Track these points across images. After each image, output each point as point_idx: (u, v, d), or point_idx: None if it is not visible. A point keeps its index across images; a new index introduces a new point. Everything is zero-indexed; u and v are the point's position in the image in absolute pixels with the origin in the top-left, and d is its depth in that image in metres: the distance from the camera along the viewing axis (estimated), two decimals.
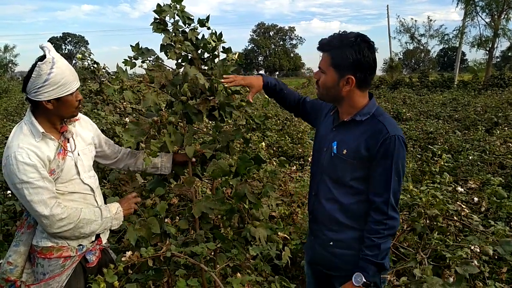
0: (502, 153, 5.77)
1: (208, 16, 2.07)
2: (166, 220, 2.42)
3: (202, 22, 2.05)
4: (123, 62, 1.95)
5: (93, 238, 1.88)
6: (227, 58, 2.05)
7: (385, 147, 1.56)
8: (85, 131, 1.93)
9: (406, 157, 1.68)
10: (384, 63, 36.97)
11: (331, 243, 1.74)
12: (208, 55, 2.09)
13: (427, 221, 2.61)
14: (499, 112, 9.64)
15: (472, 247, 2.29)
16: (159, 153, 2.00)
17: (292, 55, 79.62)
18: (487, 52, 27.63)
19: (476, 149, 6.09)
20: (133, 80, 2.06)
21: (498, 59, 44.13)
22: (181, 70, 2.04)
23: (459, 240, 2.69)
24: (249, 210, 2.02)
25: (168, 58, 1.99)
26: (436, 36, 33.03)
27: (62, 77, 1.65)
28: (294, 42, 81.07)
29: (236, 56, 2.05)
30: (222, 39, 2.05)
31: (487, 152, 5.90)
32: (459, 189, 3.35)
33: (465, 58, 53.73)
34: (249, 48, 78.66)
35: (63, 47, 77.17)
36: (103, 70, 4.22)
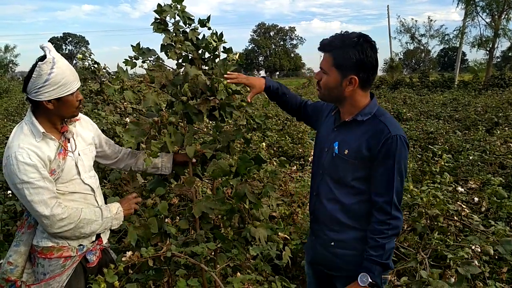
0: (503, 153, 5.77)
1: (209, 16, 2.07)
2: (166, 220, 2.43)
3: (203, 22, 2.05)
4: (123, 62, 1.96)
5: (94, 238, 1.88)
6: (227, 58, 2.05)
7: (387, 147, 1.56)
8: (85, 131, 1.93)
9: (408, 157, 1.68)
10: (384, 63, 36.95)
11: (332, 243, 1.74)
12: (209, 55, 2.09)
13: (428, 221, 2.61)
14: (500, 112, 9.63)
15: (473, 247, 2.29)
16: (160, 153, 2.01)
17: (292, 55, 79.58)
18: (487, 52, 27.62)
19: (476, 149, 6.09)
20: (133, 80, 2.06)
21: (499, 59, 44.13)
22: (182, 70, 2.04)
23: (460, 240, 2.69)
24: (249, 210, 2.02)
25: (168, 58, 1.99)
26: (437, 36, 33.04)
27: (62, 77, 1.65)
28: (294, 42, 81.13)
29: (237, 56, 2.05)
30: (222, 39, 2.05)
31: (488, 152, 5.90)
32: (460, 189, 3.36)
33: (465, 58, 53.72)
34: (249, 48, 78.66)
35: (64, 47, 77.18)
36: (104, 70, 4.22)
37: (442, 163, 4.24)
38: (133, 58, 1.97)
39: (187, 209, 2.00)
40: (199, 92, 1.97)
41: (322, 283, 1.92)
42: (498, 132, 7.46)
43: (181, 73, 2.02)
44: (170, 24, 2.02)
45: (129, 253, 1.67)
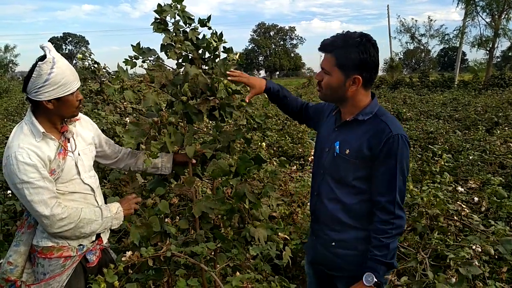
0: (503, 153, 5.77)
1: (209, 16, 2.07)
2: (166, 220, 2.43)
3: (203, 22, 2.05)
4: (123, 62, 1.95)
5: (94, 238, 1.88)
6: (228, 58, 2.05)
7: (388, 146, 1.55)
8: (85, 131, 1.93)
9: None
10: (384, 63, 36.91)
11: (333, 243, 1.74)
12: (209, 55, 2.09)
13: (428, 221, 2.61)
14: (500, 112, 9.63)
15: (474, 247, 2.29)
16: (160, 153, 2.01)
17: (292, 55, 79.56)
18: (487, 52, 27.62)
19: (476, 149, 6.09)
20: (133, 80, 2.06)
21: (499, 59, 44.12)
22: (182, 70, 2.04)
23: (459, 240, 2.69)
24: (249, 210, 2.02)
25: (168, 58, 1.99)
26: (437, 36, 33.04)
27: (62, 77, 1.65)
28: (294, 42, 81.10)
29: (237, 56, 2.05)
30: (222, 39, 2.05)
31: (488, 152, 5.90)
32: (460, 189, 3.36)
33: (465, 58, 53.75)
34: (249, 48, 78.62)
35: (64, 47, 77.17)
36: (104, 70, 4.22)
37: (442, 163, 4.24)
38: (133, 58, 1.96)
39: (187, 209, 2.00)
40: (199, 92, 1.97)
41: (323, 283, 1.92)
42: (498, 132, 7.46)
43: (181, 73, 2.02)
44: (170, 24, 2.02)
45: (128, 253, 1.67)
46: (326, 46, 1.63)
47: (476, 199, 3.61)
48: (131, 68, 1.97)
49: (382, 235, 1.59)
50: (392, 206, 1.58)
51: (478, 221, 2.73)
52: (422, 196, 2.83)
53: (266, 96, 2.11)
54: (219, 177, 1.94)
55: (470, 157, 5.38)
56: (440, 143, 6.53)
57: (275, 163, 4.39)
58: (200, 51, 2.08)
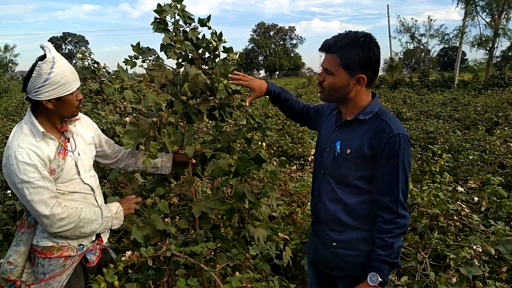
0: (502, 153, 5.77)
1: (209, 15, 2.06)
2: (166, 219, 2.42)
3: (203, 22, 2.05)
4: (123, 62, 1.95)
5: (94, 238, 1.88)
6: (228, 58, 2.05)
7: (389, 145, 1.55)
8: (85, 131, 1.93)
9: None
10: (384, 62, 36.88)
11: (334, 243, 1.73)
12: (209, 55, 2.08)
13: (427, 221, 2.61)
14: (499, 112, 9.63)
15: (474, 247, 2.29)
16: (160, 153, 2.00)
17: (292, 54, 79.58)
18: (487, 51, 27.61)
19: (476, 149, 6.09)
20: (133, 79, 2.06)
21: (498, 59, 44.11)
22: (182, 69, 2.03)
23: (459, 239, 2.69)
24: (249, 210, 2.02)
25: (168, 58, 1.99)
26: (437, 36, 33.00)
27: (62, 77, 1.65)
28: (294, 41, 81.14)
29: (237, 56, 2.05)
30: (222, 38, 2.05)
31: (487, 151, 5.90)
32: (459, 188, 3.35)
33: (465, 57, 53.77)
34: (249, 47, 78.62)
35: (64, 46, 77.16)
36: (103, 70, 4.22)
37: (442, 162, 4.23)
38: (133, 58, 1.96)
39: (187, 208, 2.00)
40: (199, 91, 1.97)
41: (323, 283, 1.92)
42: (498, 131, 7.46)
43: (181, 73, 2.01)
44: (170, 24, 2.02)
45: (128, 253, 1.67)
46: (330, 47, 1.62)
47: (476, 199, 3.61)
48: (131, 68, 1.97)
49: (386, 234, 1.59)
50: (395, 205, 1.58)
51: (478, 221, 2.73)
52: (422, 196, 2.83)
53: (269, 99, 2.11)
54: (218, 177, 1.94)
55: (470, 157, 5.38)
56: (440, 143, 6.53)
57: (275, 163, 4.39)
58: (200, 51, 2.08)
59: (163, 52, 2.00)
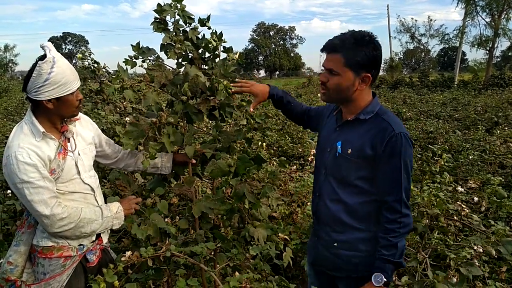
0: (502, 153, 5.76)
1: (209, 15, 2.06)
2: (166, 219, 2.42)
3: (203, 22, 2.05)
4: (123, 62, 1.95)
5: (94, 238, 1.88)
6: (227, 58, 2.05)
7: (391, 145, 1.55)
8: (85, 131, 1.93)
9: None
10: (384, 62, 36.89)
11: (335, 244, 1.73)
12: (209, 54, 2.08)
13: (428, 221, 2.61)
14: (499, 112, 9.63)
15: (475, 247, 2.29)
16: (160, 153, 2.00)
17: (292, 54, 79.55)
18: (487, 51, 27.60)
19: (476, 149, 6.09)
20: (133, 79, 2.06)
21: (498, 59, 44.09)
22: (182, 69, 2.03)
23: (459, 239, 2.69)
24: (249, 210, 2.02)
25: (168, 58, 1.99)
26: (437, 36, 33.02)
27: (62, 77, 1.64)
28: (294, 41, 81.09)
29: (237, 55, 2.05)
30: (222, 38, 2.05)
31: (487, 151, 5.90)
32: (459, 188, 3.35)
33: (465, 57, 53.75)
34: (249, 47, 78.60)
35: (63, 46, 77.14)
36: (103, 70, 4.23)
37: (442, 162, 4.23)
38: (133, 58, 1.96)
39: (187, 208, 2.00)
40: (199, 91, 1.97)
41: (324, 284, 1.91)
42: (498, 131, 7.45)
43: (181, 73, 2.01)
44: (170, 24, 2.01)
45: (128, 253, 1.67)
46: (335, 46, 1.60)
47: (476, 199, 3.61)
48: (131, 67, 1.97)
49: (390, 234, 1.58)
50: (398, 205, 1.58)
51: (478, 221, 2.73)
52: (422, 196, 2.83)
53: (271, 102, 2.11)
54: (218, 177, 1.94)
55: (470, 157, 5.38)
56: (440, 143, 6.52)
57: (275, 163, 4.39)
58: (200, 51, 2.08)
59: (163, 52, 2.00)
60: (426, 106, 12.93)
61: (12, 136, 1.68)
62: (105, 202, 1.99)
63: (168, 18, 1.99)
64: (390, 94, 18.61)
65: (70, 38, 79.20)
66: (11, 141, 1.66)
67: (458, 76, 26.93)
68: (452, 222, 2.73)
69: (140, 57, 1.97)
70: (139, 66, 1.98)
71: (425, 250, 2.48)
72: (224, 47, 2.06)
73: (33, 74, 1.62)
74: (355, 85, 1.62)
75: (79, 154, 1.83)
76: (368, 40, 1.57)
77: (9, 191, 3.21)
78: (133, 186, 2.03)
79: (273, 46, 78.52)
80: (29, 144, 1.64)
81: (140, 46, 1.98)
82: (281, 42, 79.88)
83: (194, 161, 2.03)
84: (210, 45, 2.03)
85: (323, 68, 1.69)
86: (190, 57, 2.05)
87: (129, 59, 1.95)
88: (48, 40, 1.68)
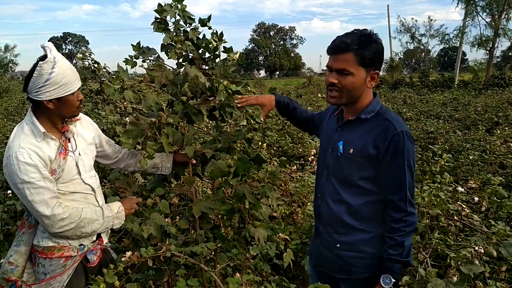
0: (503, 153, 5.76)
1: (210, 15, 2.06)
2: (166, 219, 2.42)
3: (203, 22, 2.05)
4: (124, 62, 1.95)
5: (94, 238, 1.88)
6: (228, 58, 2.05)
7: (394, 144, 1.55)
8: (86, 131, 1.93)
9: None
10: (384, 62, 36.77)
11: (338, 245, 1.73)
12: (210, 55, 2.08)
13: (428, 221, 2.61)
14: (500, 112, 9.62)
15: (476, 248, 2.29)
16: (160, 153, 2.00)
17: (292, 54, 79.53)
18: (487, 52, 27.59)
19: (476, 149, 6.08)
20: (133, 79, 2.06)
21: (499, 59, 44.11)
22: (182, 70, 2.03)
23: (460, 240, 2.69)
24: (249, 210, 2.02)
25: (168, 58, 1.99)
26: (437, 36, 33.07)
27: (63, 77, 1.65)
28: (294, 41, 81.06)
29: (237, 56, 2.05)
30: (223, 38, 2.05)
31: (488, 152, 5.89)
32: (460, 189, 3.35)
33: (465, 58, 53.74)
34: (249, 47, 78.60)
35: (64, 46, 77.17)
36: (104, 70, 4.23)
37: (442, 162, 4.23)
38: (133, 57, 1.96)
39: (187, 209, 2.00)
40: (199, 92, 1.97)
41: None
42: (498, 131, 7.45)
43: (181, 73, 2.01)
44: (170, 24, 2.01)
45: (128, 253, 1.67)
46: (347, 46, 1.56)
47: (476, 199, 3.61)
48: (131, 67, 1.97)
49: (396, 233, 1.58)
50: (404, 203, 1.58)
51: (478, 221, 2.73)
52: (422, 196, 2.83)
53: (277, 110, 2.11)
54: (218, 177, 1.94)
55: (470, 157, 5.37)
56: (440, 143, 6.52)
57: (275, 163, 4.39)
58: (200, 51, 2.08)
59: (163, 52, 2.00)
60: (426, 106, 12.92)
61: (12, 136, 1.69)
62: (106, 202, 1.99)
63: (168, 18, 2.00)
64: (390, 94, 18.62)
65: (71, 38, 79.23)
66: (11, 141, 1.66)
67: (458, 76, 26.93)
68: (452, 222, 2.73)
69: (140, 57, 1.97)
70: (139, 66, 1.99)
71: (425, 250, 2.47)
72: (224, 47, 2.06)
73: (34, 74, 1.62)
74: (366, 83, 1.62)
75: (79, 154, 1.83)
76: (375, 38, 1.58)
77: (9, 191, 3.21)
78: (133, 187, 2.03)
79: (273, 46, 78.50)
80: (29, 145, 1.64)
81: (141, 46, 1.98)
82: (281, 42, 79.86)
83: (194, 161, 2.03)
84: (210, 45, 2.03)
85: (325, 70, 1.69)
86: (190, 57, 2.05)
87: (129, 59, 1.95)
88: (49, 40, 1.69)
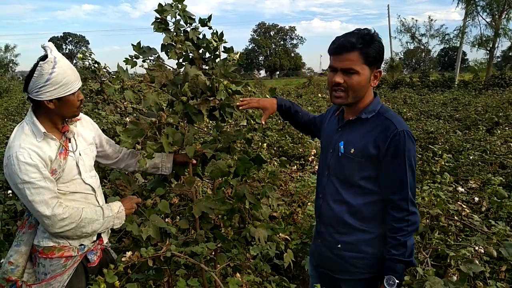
0: (503, 153, 5.76)
1: (210, 15, 2.06)
2: (166, 219, 2.42)
3: (204, 22, 2.05)
4: (124, 62, 1.95)
5: (95, 238, 1.88)
6: (228, 58, 2.05)
7: (395, 143, 1.55)
8: (86, 131, 1.93)
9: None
10: (385, 62, 36.83)
11: (339, 245, 1.72)
12: (210, 55, 2.08)
13: (428, 221, 2.61)
14: (500, 112, 9.62)
15: (476, 248, 2.29)
16: (160, 153, 2.00)
17: (292, 54, 79.53)
18: (487, 52, 27.57)
19: (476, 149, 6.08)
20: (134, 79, 2.06)
21: (499, 59, 44.08)
22: (182, 69, 2.03)
23: (460, 240, 2.69)
24: (249, 210, 2.02)
25: (169, 58, 1.99)
26: (437, 36, 33.03)
27: (63, 77, 1.65)
28: (294, 41, 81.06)
29: (237, 56, 2.05)
30: (223, 38, 2.05)
31: (488, 152, 5.89)
32: (460, 189, 3.35)
33: (465, 58, 53.67)
34: (249, 47, 78.60)
35: (64, 46, 77.18)
36: (104, 70, 4.22)
37: (443, 162, 4.24)
38: (133, 57, 1.96)
39: (187, 209, 2.00)
40: (199, 92, 1.97)
41: (327, 286, 1.90)
42: (499, 131, 7.45)
43: (181, 73, 2.01)
44: (170, 24, 2.02)
45: (128, 253, 1.67)
46: (353, 45, 1.55)
47: (476, 199, 3.61)
48: (132, 67, 1.97)
49: (398, 233, 1.57)
50: (405, 203, 1.57)
51: (479, 221, 2.73)
52: (423, 196, 2.83)
53: (279, 114, 2.12)
54: (218, 177, 1.94)
55: (471, 157, 5.37)
56: (440, 143, 6.52)
57: (275, 163, 4.39)
58: (200, 51, 2.08)
59: (163, 52, 2.00)
60: (426, 106, 12.91)
61: (13, 137, 1.69)
62: (106, 202, 1.99)
63: (169, 18, 2.00)
64: (391, 94, 18.61)
65: (71, 38, 79.25)
66: (12, 142, 1.66)
67: (458, 76, 26.93)
68: (452, 222, 2.73)
69: (140, 56, 1.97)
70: (140, 66, 1.99)
71: (425, 250, 2.47)
72: (224, 47, 2.06)
73: (34, 75, 1.62)
74: (370, 82, 1.62)
75: (80, 154, 1.83)
76: (376, 36, 1.58)
77: (9, 191, 3.21)
78: (133, 185, 2.03)
79: (273, 46, 78.49)
80: (30, 145, 1.64)
81: (141, 46, 1.98)
82: (282, 42, 79.85)
83: (194, 161, 2.03)
84: (210, 45, 2.03)
85: (325, 70, 1.69)
86: (190, 57, 2.05)
87: (130, 58, 1.96)
88: (49, 40, 1.69)
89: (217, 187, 2.10)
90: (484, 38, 26.92)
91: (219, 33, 2.04)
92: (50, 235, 1.74)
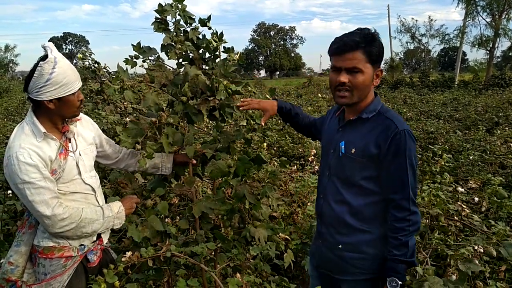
0: (503, 153, 5.76)
1: (210, 15, 2.07)
2: (166, 220, 2.42)
3: (203, 22, 2.05)
4: (124, 62, 1.95)
5: (95, 238, 1.88)
6: (228, 58, 2.05)
7: (396, 143, 1.55)
8: (86, 131, 1.93)
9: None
10: (385, 62, 36.88)
11: (340, 246, 1.72)
12: (210, 55, 2.08)
13: (428, 221, 2.61)
14: (500, 112, 9.63)
15: (476, 247, 2.29)
16: (160, 153, 2.01)
17: (292, 54, 79.51)
18: (487, 52, 27.57)
19: (476, 149, 6.08)
20: (133, 79, 2.06)
21: (499, 59, 44.09)
22: (182, 70, 2.03)
23: (460, 240, 2.69)
24: (249, 210, 2.02)
25: (169, 58, 1.99)
26: (437, 36, 33.05)
27: (64, 77, 1.65)
28: (294, 41, 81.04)
29: (237, 56, 2.05)
30: (223, 39, 2.05)
31: (488, 152, 5.89)
32: (460, 189, 3.35)
33: (465, 58, 53.67)
34: (249, 47, 78.59)
35: (64, 46, 77.18)
36: (104, 70, 4.22)
37: (442, 163, 4.24)
38: (133, 57, 1.96)
39: (187, 209, 2.00)
40: (199, 92, 1.97)
41: (327, 287, 1.90)
42: (499, 132, 7.45)
43: (181, 73, 2.01)
44: (170, 24, 2.02)
45: (128, 253, 1.67)
46: (357, 44, 1.55)
47: (476, 199, 3.61)
48: (132, 67, 1.97)
49: (399, 233, 1.57)
50: (406, 202, 1.57)
51: (478, 221, 2.73)
52: (422, 196, 2.83)
53: (279, 116, 2.12)
54: (218, 177, 1.94)
55: (471, 157, 5.37)
56: (440, 143, 6.52)
57: (275, 163, 4.39)
58: (200, 51, 2.08)
59: (163, 52, 2.00)
60: (426, 106, 12.91)
61: (13, 137, 1.69)
62: (106, 202, 1.99)
63: (169, 18, 2.00)
64: (391, 94, 18.61)
65: (71, 38, 79.25)
66: (12, 142, 1.66)
67: (458, 76, 26.93)
68: (452, 222, 2.74)
69: (140, 57, 1.97)
70: (140, 66, 1.99)
71: (425, 250, 2.48)
72: (224, 47, 2.06)
73: (34, 75, 1.62)
74: (373, 81, 1.63)
75: (80, 155, 1.83)
76: (376, 36, 1.59)
77: (9, 191, 3.22)
78: (134, 184, 2.04)
79: (273, 46, 78.46)
80: (30, 145, 1.64)
81: (141, 46, 1.98)
82: (282, 42, 79.82)
83: (194, 161, 2.03)
84: (210, 46, 2.03)
85: (325, 70, 1.69)
86: (190, 57, 2.05)
87: (130, 58, 1.96)
88: (49, 40, 1.69)
89: (217, 187, 2.10)
90: (484, 38, 26.92)
91: (219, 33, 2.04)
92: (50, 235, 1.74)
